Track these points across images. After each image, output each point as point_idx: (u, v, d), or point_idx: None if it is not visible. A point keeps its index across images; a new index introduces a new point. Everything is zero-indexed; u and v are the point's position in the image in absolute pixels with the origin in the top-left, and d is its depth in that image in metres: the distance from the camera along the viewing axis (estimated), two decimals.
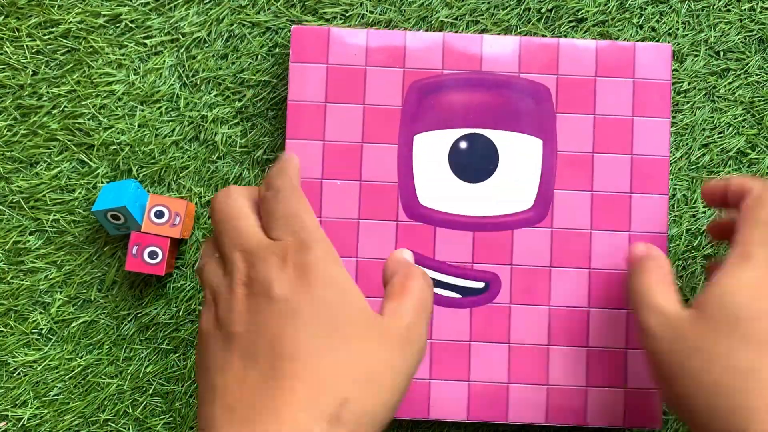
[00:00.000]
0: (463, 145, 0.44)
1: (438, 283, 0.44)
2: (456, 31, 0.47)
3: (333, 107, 0.44)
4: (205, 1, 0.47)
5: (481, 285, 0.44)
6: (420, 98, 0.44)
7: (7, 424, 0.45)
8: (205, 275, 0.33)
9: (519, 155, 0.44)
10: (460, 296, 0.44)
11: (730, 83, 0.47)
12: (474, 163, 0.44)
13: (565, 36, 0.47)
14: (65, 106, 0.46)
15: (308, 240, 0.32)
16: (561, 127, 0.44)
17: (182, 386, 0.46)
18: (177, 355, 0.46)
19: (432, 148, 0.44)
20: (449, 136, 0.44)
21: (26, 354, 0.46)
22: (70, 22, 0.46)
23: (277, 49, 0.47)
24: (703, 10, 0.47)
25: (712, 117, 0.47)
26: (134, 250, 0.43)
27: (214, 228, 0.33)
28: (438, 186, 0.44)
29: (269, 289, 0.31)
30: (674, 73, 0.47)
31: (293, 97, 0.44)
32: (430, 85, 0.44)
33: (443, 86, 0.44)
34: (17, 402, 0.46)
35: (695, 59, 0.47)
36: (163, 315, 0.46)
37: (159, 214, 0.44)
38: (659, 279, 0.38)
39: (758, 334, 0.33)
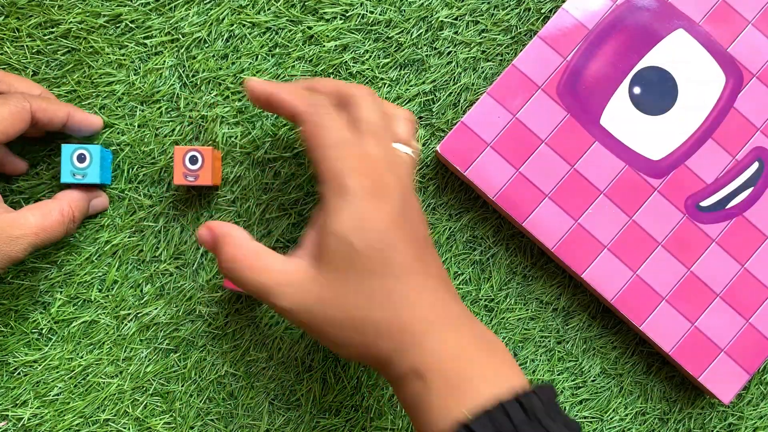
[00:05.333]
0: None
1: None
2: (456, 32, 0.48)
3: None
4: (205, 1, 0.47)
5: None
6: None
7: (7, 423, 0.45)
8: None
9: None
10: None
11: None
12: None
13: None
14: None
15: None
16: None
17: (182, 386, 0.46)
18: (177, 355, 0.46)
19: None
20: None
21: (26, 354, 0.46)
22: (71, 22, 0.46)
23: (277, 49, 0.47)
24: None
25: None
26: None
27: None
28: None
29: None
30: None
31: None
32: None
33: None
34: (17, 402, 0.46)
35: None
36: (163, 315, 0.46)
37: (193, 160, 0.43)
38: (250, 261, 0.36)
39: (372, 265, 0.35)
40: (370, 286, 0.35)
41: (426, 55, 0.48)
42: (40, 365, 0.46)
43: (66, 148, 0.43)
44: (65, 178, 0.43)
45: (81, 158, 0.43)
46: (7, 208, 0.42)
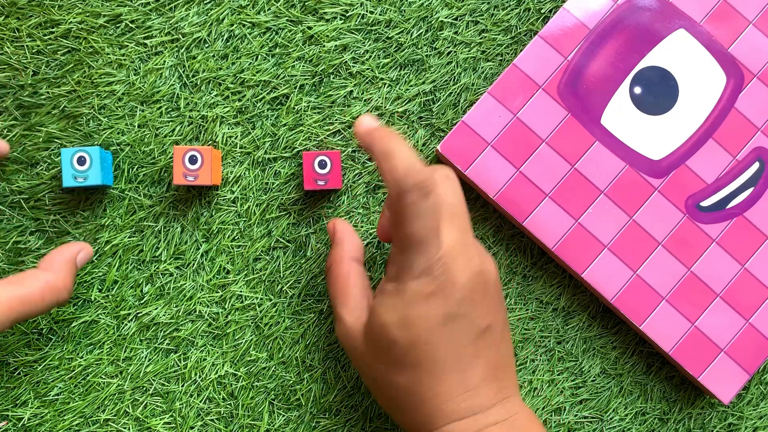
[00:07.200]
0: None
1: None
2: (456, 32, 0.48)
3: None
4: (205, 1, 0.47)
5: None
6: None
7: (7, 423, 0.45)
8: None
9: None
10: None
11: None
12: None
13: None
14: (65, 107, 0.46)
15: None
16: None
17: (182, 386, 0.46)
18: (177, 355, 0.46)
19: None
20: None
21: (26, 354, 0.46)
22: (71, 22, 0.46)
23: (277, 49, 0.47)
24: None
25: None
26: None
27: None
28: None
29: None
30: None
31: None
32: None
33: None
34: (17, 402, 0.46)
35: None
36: (163, 315, 0.46)
37: (193, 160, 0.43)
38: (342, 292, 0.41)
39: (408, 358, 0.36)
40: (402, 374, 0.37)
41: (426, 55, 0.47)
42: (40, 365, 0.46)
43: (65, 152, 0.43)
44: (67, 182, 0.43)
45: (81, 161, 0.43)
46: None
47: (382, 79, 0.47)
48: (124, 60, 0.46)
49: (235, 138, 0.47)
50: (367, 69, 0.47)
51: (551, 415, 0.48)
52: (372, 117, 0.40)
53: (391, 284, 0.37)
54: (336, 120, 0.47)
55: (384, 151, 0.37)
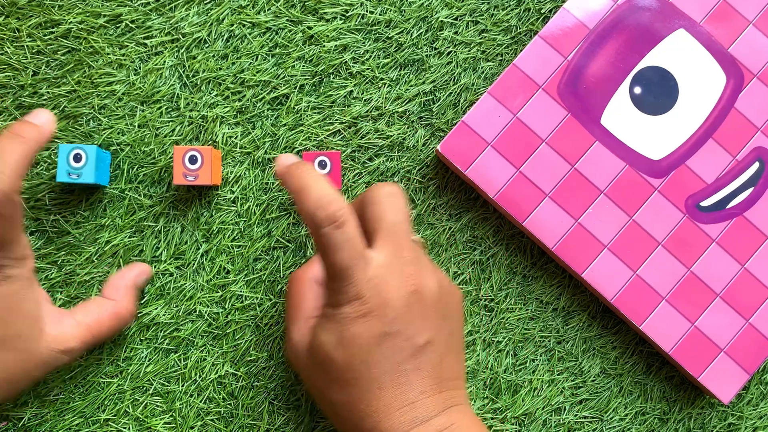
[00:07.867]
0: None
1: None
2: (456, 32, 0.48)
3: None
4: (205, 2, 0.47)
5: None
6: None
7: (7, 423, 0.45)
8: None
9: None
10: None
11: None
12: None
13: None
14: (65, 106, 0.46)
15: None
16: None
17: (182, 386, 0.46)
18: (177, 355, 0.46)
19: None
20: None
21: None
22: (71, 22, 0.46)
23: (277, 49, 0.47)
24: None
25: None
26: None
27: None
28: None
29: None
30: None
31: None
32: None
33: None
34: (17, 402, 0.46)
35: None
36: (163, 315, 0.46)
37: (193, 160, 0.43)
38: (294, 310, 0.41)
39: (346, 376, 0.37)
40: (341, 392, 0.38)
41: (426, 55, 0.48)
42: None
43: (63, 148, 0.43)
44: (61, 177, 0.43)
45: (77, 158, 0.43)
46: (57, 314, 0.42)
47: (382, 79, 0.47)
48: (124, 60, 0.46)
49: (235, 138, 0.47)
50: (367, 69, 0.47)
51: (551, 415, 0.48)
52: (291, 155, 0.40)
53: (329, 308, 0.38)
54: (336, 120, 0.47)
55: (298, 187, 0.37)
